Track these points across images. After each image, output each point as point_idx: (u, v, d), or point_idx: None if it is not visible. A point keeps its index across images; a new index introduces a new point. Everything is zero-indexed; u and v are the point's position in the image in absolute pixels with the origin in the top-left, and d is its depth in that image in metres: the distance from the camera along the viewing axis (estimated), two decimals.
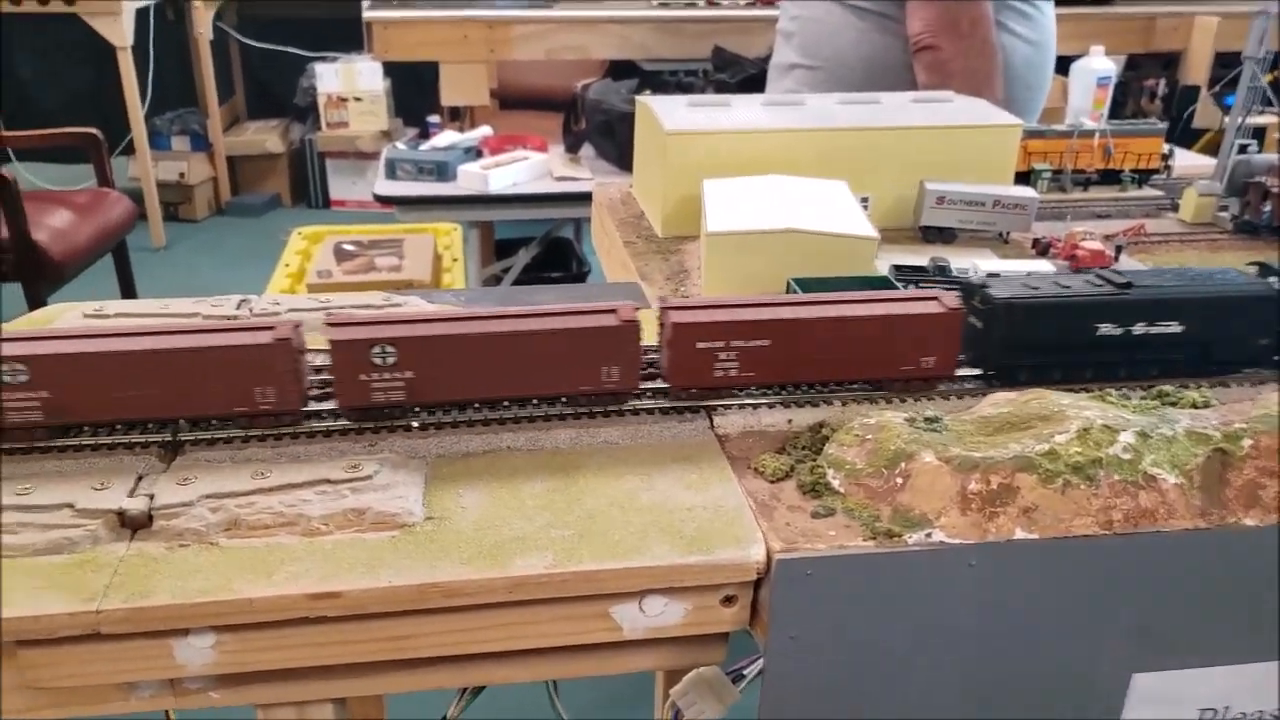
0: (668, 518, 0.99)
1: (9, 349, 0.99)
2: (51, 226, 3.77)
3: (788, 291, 1.41)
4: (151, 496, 0.97)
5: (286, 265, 3.94)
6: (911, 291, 1.30)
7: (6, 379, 0.99)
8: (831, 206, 1.56)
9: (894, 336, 1.14)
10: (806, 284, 1.40)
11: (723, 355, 1.11)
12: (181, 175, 5.85)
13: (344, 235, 4.22)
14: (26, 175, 5.68)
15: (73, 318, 1.34)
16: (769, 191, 1.59)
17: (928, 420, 1.09)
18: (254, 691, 1.00)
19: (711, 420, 1.15)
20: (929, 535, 0.99)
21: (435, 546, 0.94)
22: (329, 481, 0.99)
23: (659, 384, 1.16)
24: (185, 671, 0.93)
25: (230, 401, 1.05)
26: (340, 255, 3.98)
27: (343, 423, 1.10)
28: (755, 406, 1.17)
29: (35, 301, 3.65)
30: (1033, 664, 1.06)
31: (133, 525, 0.95)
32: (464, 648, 0.96)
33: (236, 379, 1.04)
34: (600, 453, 1.10)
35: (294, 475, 1.00)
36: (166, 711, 1.09)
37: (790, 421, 1.17)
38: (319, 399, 1.11)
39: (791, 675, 1.01)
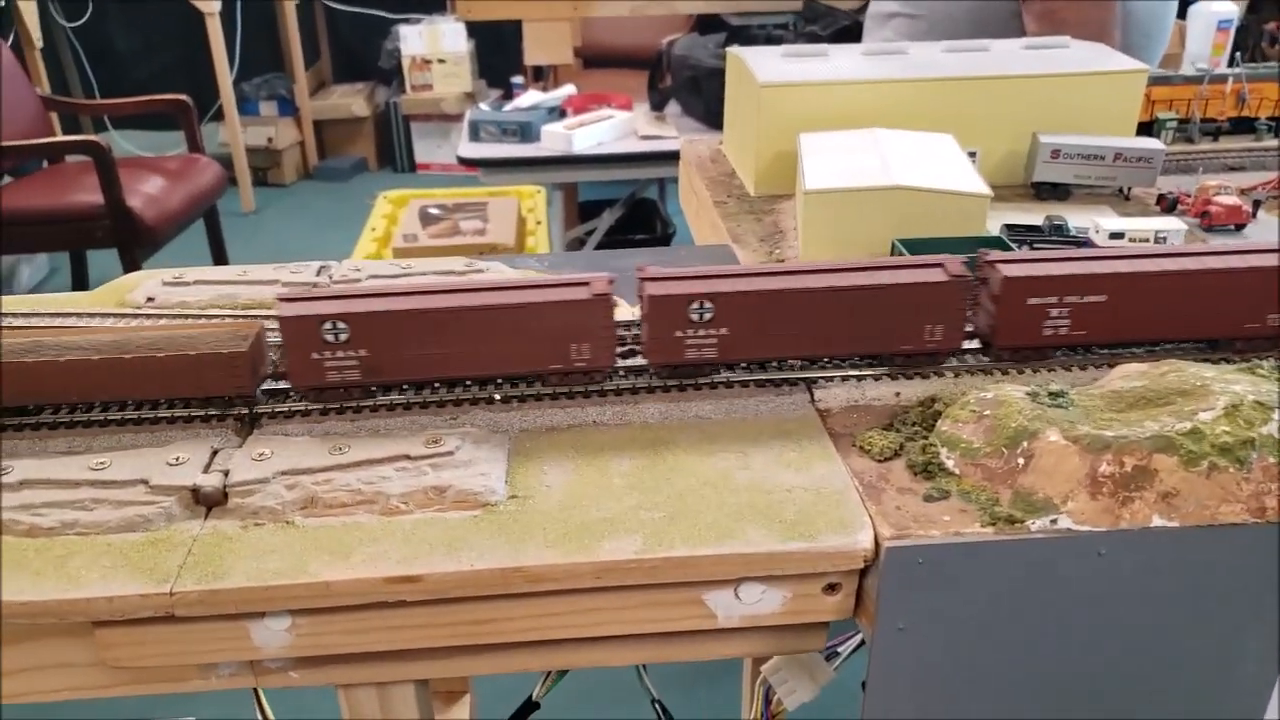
0: (765, 499, 0.91)
1: (331, 306, 0.97)
2: (145, 192, 3.84)
3: (893, 254, 1.30)
4: (226, 473, 0.93)
5: (372, 230, 3.96)
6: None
7: (328, 337, 0.96)
8: (939, 162, 1.44)
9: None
10: (914, 246, 1.29)
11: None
12: (269, 140, 5.92)
13: (428, 199, 4.22)
14: (121, 142, 5.82)
15: (152, 285, 1.32)
16: (871, 146, 1.48)
17: (1052, 395, 0.99)
18: (334, 672, 0.96)
19: (812, 394, 1.07)
20: (1054, 522, 0.89)
21: (518, 527, 0.88)
22: (408, 458, 0.94)
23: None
24: (262, 654, 0.89)
25: (545, 359, 1.01)
26: (425, 219, 3.97)
27: (424, 394, 1.05)
28: (860, 379, 1.08)
29: (131, 266, 3.73)
30: (1167, 663, 0.96)
31: (207, 502, 0.92)
32: (549, 633, 0.91)
33: (554, 336, 1.00)
34: (691, 428, 1.02)
35: (373, 450, 0.95)
36: (255, 690, 1.06)
37: (898, 395, 1.08)
38: None
39: (899, 670, 0.93)
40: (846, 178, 1.36)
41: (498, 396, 1.05)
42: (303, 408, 1.04)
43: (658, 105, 3.82)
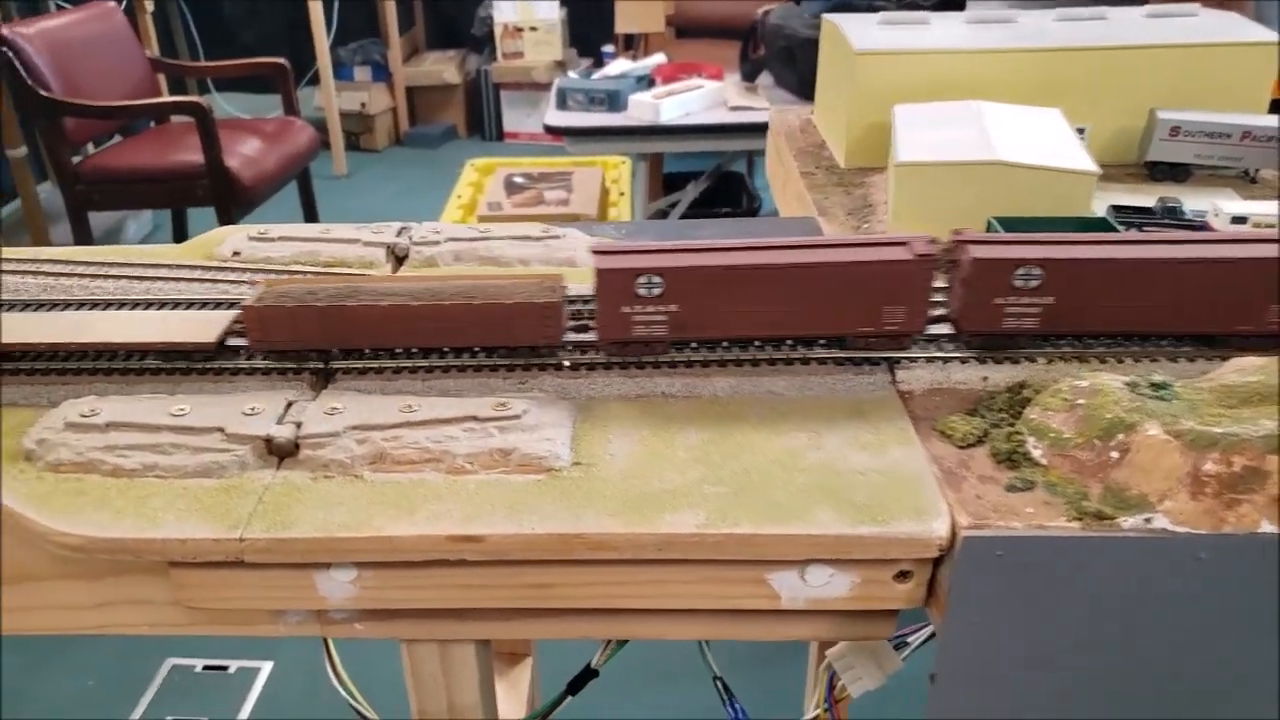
0: (836, 480, 0.88)
1: (647, 260, 0.97)
2: (242, 153, 3.95)
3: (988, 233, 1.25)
4: (299, 425, 0.94)
5: (459, 197, 4.00)
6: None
7: (641, 291, 0.97)
8: (1043, 137, 1.37)
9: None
10: (1011, 225, 1.23)
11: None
12: (363, 105, 6.03)
13: (514, 168, 4.24)
14: (222, 104, 6.00)
15: (238, 239, 1.35)
16: (970, 119, 1.42)
17: (1154, 386, 0.93)
18: (397, 626, 0.97)
19: (893, 374, 1.03)
20: (1149, 520, 0.84)
21: (581, 494, 0.87)
22: (476, 419, 0.94)
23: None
24: (327, 604, 0.90)
25: (856, 320, 0.99)
26: (510, 188, 4.00)
27: (494, 358, 1.04)
28: (945, 360, 1.04)
29: (228, 224, 3.83)
30: (1263, 680, 0.90)
31: (280, 453, 0.93)
32: (610, 601, 0.90)
33: (870, 297, 0.98)
34: (763, 404, 1.00)
35: (441, 410, 0.95)
36: (324, 639, 1.08)
37: (985, 379, 1.03)
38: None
39: (970, 665, 0.89)
40: (941, 151, 1.30)
41: (566, 364, 1.04)
42: (376, 365, 1.04)
43: (749, 76, 3.76)
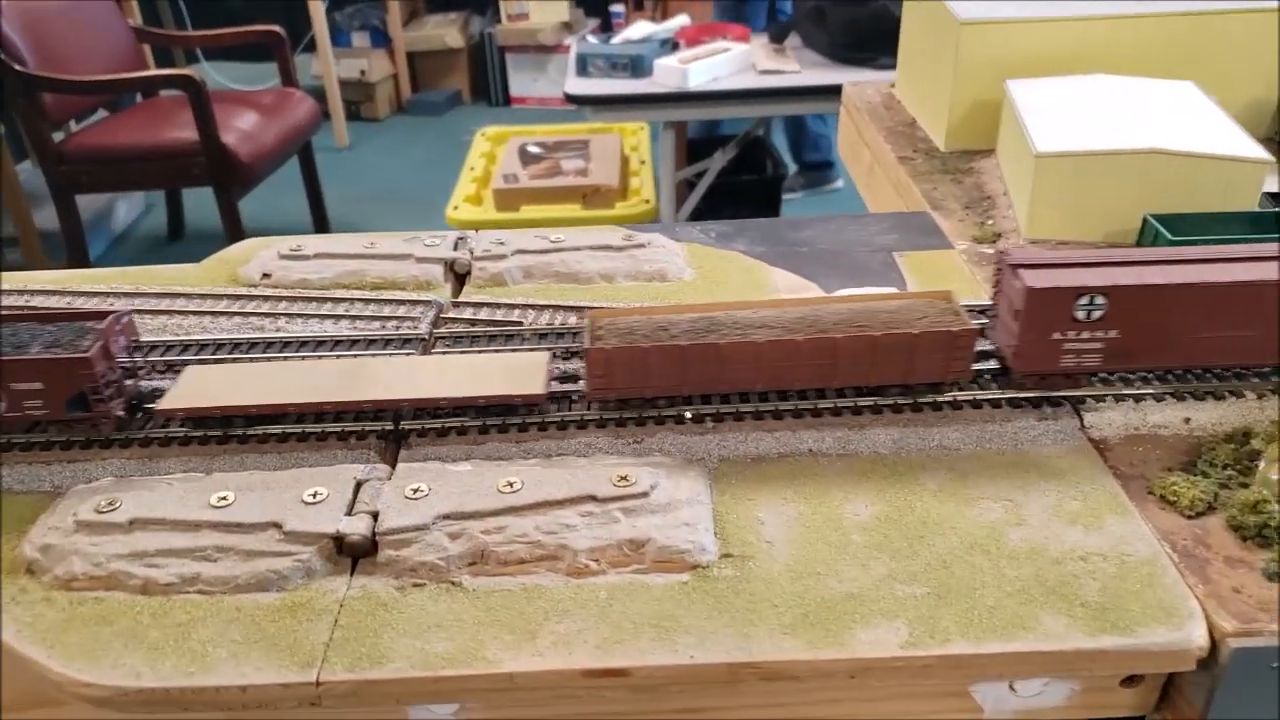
0: (1055, 572, 0.70)
1: (1087, 277, 0.80)
2: (239, 128, 3.71)
3: (1146, 235, 1.06)
4: (375, 515, 0.76)
5: (471, 169, 3.77)
6: None
7: (1080, 314, 0.80)
8: (1192, 117, 1.18)
9: None
10: (1173, 223, 1.05)
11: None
12: (362, 73, 5.76)
13: (528, 136, 4.01)
14: (214, 75, 5.72)
15: (268, 257, 1.15)
16: (1099, 97, 1.22)
17: None
18: None
19: (1080, 417, 0.85)
20: None
21: (741, 602, 0.69)
22: (594, 499, 0.76)
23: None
24: None
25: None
26: (525, 158, 3.77)
27: (596, 410, 0.86)
28: (1137, 399, 0.86)
29: (227, 205, 3.62)
30: None
31: (353, 553, 0.75)
32: None
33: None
34: (935, 462, 0.82)
35: (549, 487, 0.77)
36: None
37: (1188, 421, 0.85)
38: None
39: None
40: (1086, 138, 1.11)
41: (688, 415, 0.86)
42: (457, 424, 0.86)
43: (777, 37, 3.52)
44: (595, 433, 0.85)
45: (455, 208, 3.41)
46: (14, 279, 1.12)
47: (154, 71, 4.22)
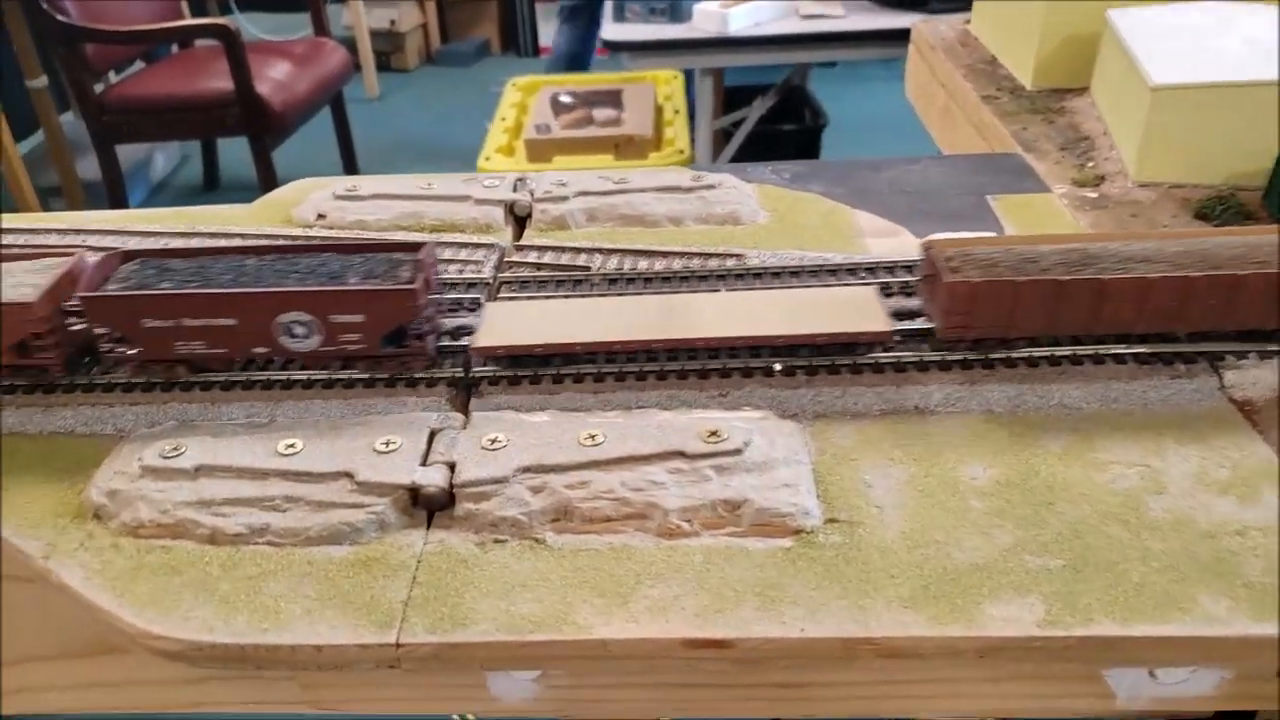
0: (1208, 546, 0.64)
1: None
2: (272, 79, 3.65)
3: (1277, 178, 0.98)
4: (452, 466, 0.71)
5: (503, 119, 3.69)
6: None
7: None
8: None
9: None
10: None
11: None
12: (392, 22, 5.66)
13: (559, 85, 3.92)
14: (247, 26, 5.64)
15: (322, 198, 1.10)
16: (1216, 24, 1.13)
17: None
18: None
19: (1219, 375, 0.78)
20: None
21: (854, 571, 0.64)
22: (684, 455, 0.70)
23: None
24: (498, 706, 0.68)
25: None
26: (557, 108, 3.68)
27: (681, 362, 0.80)
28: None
29: (261, 155, 3.57)
30: None
31: (429, 505, 0.70)
32: (881, 707, 0.67)
33: None
34: (1057, 422, 0.75)
35: (634, 441, 0.72)
36: None
37: None
38: None
39: None
40: (1210, 68, 1.02)
41: (778, 368, 0.80)
42: (530, 373, 0.80)
43: None
44: (675, 384, 0.79)
45: (487, 158, 3.34)
46: (66, 219, 1.08)
47: (190, 21, 4.15)
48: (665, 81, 3.90)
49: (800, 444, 0.73)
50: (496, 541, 0.67)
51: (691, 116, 3.51)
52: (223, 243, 1.01)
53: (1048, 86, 1.34)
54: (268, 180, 3.57)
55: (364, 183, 1.11)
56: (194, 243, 1.02)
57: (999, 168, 1.17)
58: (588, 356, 0.80)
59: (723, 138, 3.96)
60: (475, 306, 0.88)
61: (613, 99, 3.77)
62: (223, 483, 0.70)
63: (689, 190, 1.09)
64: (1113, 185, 1.09)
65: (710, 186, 1.10)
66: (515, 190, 1.10)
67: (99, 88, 3.58)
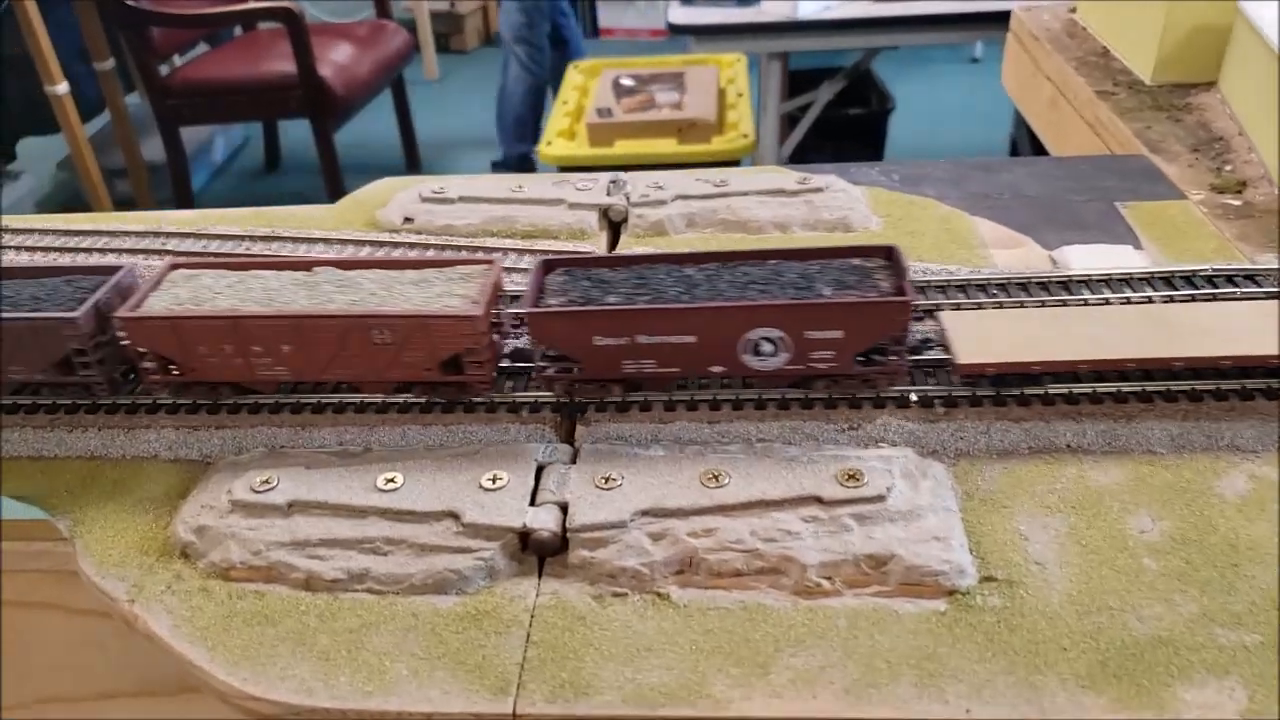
0: None
1: None
2: (334, 61, 3.63)
3: None
4: (564, 507, 0.65)
5: (564, 103, 3.63)
6: None
7: None
8: None
9: None
10: None
11: None
12: (452, 4, 5.62)
13: (621, 69, 3.85)
14: (309, 8, 5.63)
15: (407, 199, 1.04)
16: None
17: None
18: None
19: None
20: None
21: (1019, 642, 0.57)
22: (820, 501, 0.64)
23: None
24: None
25: None
26: (619, 91, 3.62)
27: (802, 390, 0.73)
28: None
29: (323, 137, 3.55)
30: None
31: (540, 551, 0.65)
32: None
33: None
34: (1230, 466, 0.67)
35: (762, 482, 0.65)
36: None
37: None
38: None
39: None
40: None
41: (913, 398, 0.73)
42: (639, 398, 0.74)
43: None
44: (798, 415, 0.72)
45: (549, 143, 3.28)
46: (147, 219, 1.04)
47: (254, 4, 4.14)
48: (729, 65, 3.81)
49: (948, 490, 0.66)
50: (615, 595, 0.62)
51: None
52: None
53: (1170, 81, 1.24)
54: (329, 162, 3.56)
55: (451, 184, 1.06)
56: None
57: (1125, 171, 1.08)
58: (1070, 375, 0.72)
59: (787, 122, 3.86)
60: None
61: (675, 82, 3.69)
62: (318, 521, 0.66)
63: (794, 194, 1.02)
64: (1256, 191, 1.00)
65: (818, 189, 1.02)
66: (609, 194, 1.04)
67: (164, 70, 3.59)
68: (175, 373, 0.74)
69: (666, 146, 3.30)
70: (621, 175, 1.07)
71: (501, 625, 0.60)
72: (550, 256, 0.78)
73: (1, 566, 0.73)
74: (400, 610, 0.61)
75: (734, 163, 3.30)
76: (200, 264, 0.80)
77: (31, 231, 1.01)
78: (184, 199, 3.65)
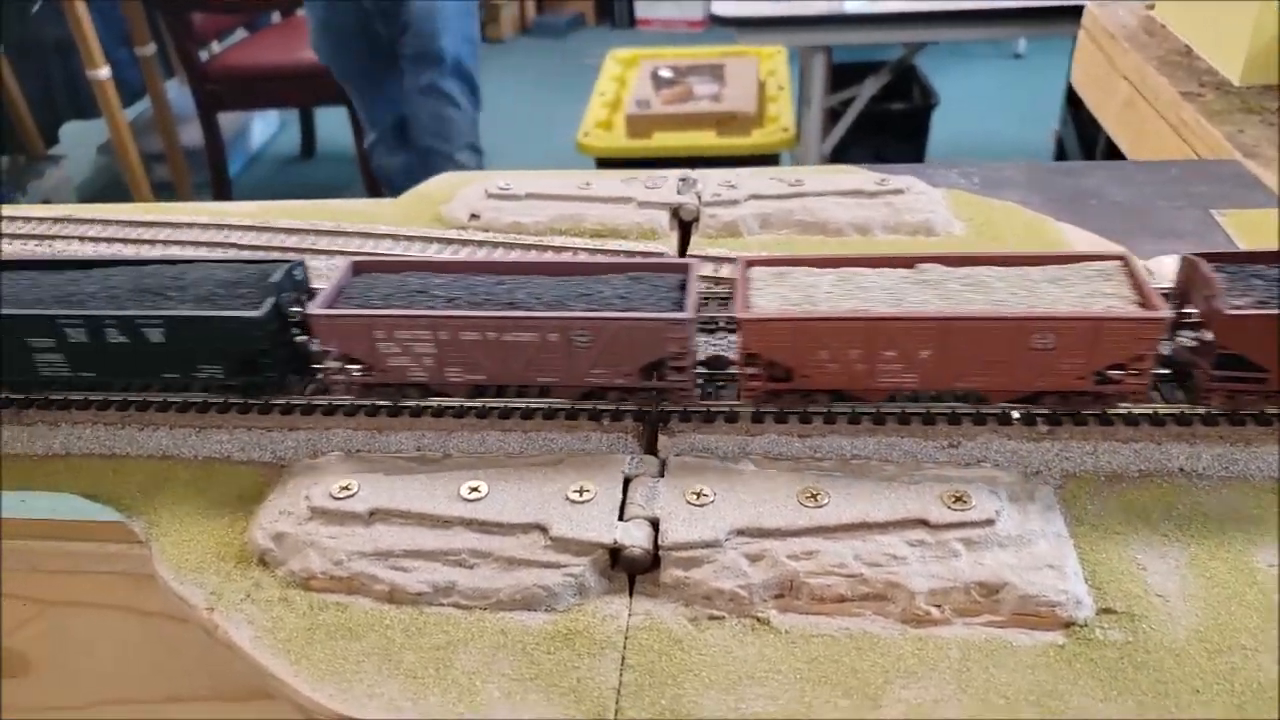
0: None
1: None
2: None
3: None
4: (654, 523, 0.63)
5: (601, 94, 3.60)
6: None
7: None
8: None
9: None
10: None
11: None
12: None
13: (660, 59, 3.82)
14: None
15: (473, 195, 1.02)
16: None
17: None
18: None
19: None
20: None
21: (1146, 680, 0.54)
22: (926, 524, 0.61)
23: None
24: None
25: None
26: (657, 82, 3.58)
27: (899, 403, 0.70)
28: None
29: (358, 126, 3.54)
30: None
31: (630, 569, 0.62)
32: None
33: None
34: None
35: (864, 504, 0.62)
36: None
37: None
38: None
39: None
40: None
41: (1015, 415, 0.69)
42: (726, 408, 0.71)
43: None
44: (896, 430, 0.69)
45: (586, 134, 3.25)
46: (208, 210, 1.02)
47: None
48: (768, 56, 3.76)
49: (1056, 513, 0.63)
50: (712, 618, 0.59)
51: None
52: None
53: (1260, 83, 1.20)
54: (365, 151, 3.55)
55: (516, 180, 1.03)
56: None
57: (1216, 176, 1.04)
58: None
59: (831, 118, 3.82)
60: None
61: (714, 74, 3.65)
62: (400, 530, 0.63)
63: (874, 195, 0.99)
64: None
65: (898, 191, 0.99)
66: (679, 192, 1.01)
67: (203, 57, 3.60)
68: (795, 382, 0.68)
69: (705, 139, 3.27)
70: (690, 173, 1.04)
71: (594, 646, 0.58)
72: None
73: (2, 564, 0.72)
74: (488, 627, 0.59)
75: (774, 157, 3.27)
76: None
77: (93, 222, 1.00)
78: (221, 184, 3.65)
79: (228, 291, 0.72)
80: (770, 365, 0.67)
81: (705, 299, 0.82)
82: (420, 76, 2.96)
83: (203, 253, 0.94)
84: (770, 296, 0.68)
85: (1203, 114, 1.15)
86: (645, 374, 0.69)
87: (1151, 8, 1.45)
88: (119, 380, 0.76)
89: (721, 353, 0.75)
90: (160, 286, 0.73)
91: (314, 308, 0.69)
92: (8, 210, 1.01)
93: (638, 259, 0.87)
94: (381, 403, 0.73)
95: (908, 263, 0.71)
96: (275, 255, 0.88)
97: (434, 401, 0.73)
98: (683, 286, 0.70)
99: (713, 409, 0.71)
